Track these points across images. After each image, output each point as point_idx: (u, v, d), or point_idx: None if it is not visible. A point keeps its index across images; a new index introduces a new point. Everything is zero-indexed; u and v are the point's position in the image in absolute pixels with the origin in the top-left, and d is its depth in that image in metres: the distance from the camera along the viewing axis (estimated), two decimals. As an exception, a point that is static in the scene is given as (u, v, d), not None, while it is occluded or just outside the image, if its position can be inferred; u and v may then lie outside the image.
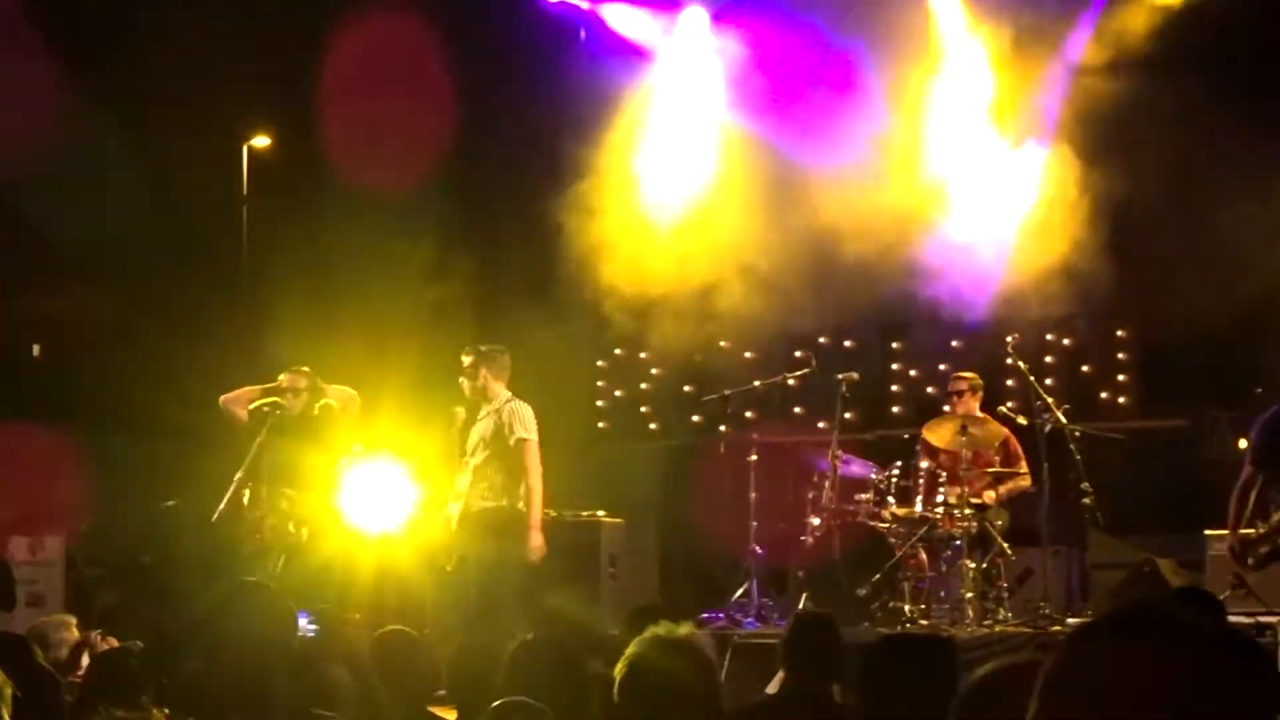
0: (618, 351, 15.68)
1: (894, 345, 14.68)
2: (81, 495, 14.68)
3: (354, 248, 14.63)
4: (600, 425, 15.66)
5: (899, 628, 10.83)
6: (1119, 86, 13.14)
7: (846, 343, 14.51)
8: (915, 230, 13.45)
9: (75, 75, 14.63)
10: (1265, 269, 12.28)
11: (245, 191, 16.82)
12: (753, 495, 12.46)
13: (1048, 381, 13.31)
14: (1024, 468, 12.09)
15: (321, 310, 14.72)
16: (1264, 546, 10.12)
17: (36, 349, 16.83)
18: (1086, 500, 11.59)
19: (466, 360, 11.67)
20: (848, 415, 12.76)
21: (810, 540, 12.04)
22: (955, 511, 11.67)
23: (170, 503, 13.54)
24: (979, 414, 12.22)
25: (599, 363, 15.77)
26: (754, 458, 12.58)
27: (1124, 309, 14.09)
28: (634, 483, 14.68)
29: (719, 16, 14.77)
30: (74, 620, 8.78)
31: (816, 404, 13.92)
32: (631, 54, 14.90)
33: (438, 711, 6.59)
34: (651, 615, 5.66)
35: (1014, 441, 12.17)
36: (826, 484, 12.09)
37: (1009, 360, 12.67)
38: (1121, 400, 13.95)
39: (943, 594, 11.80)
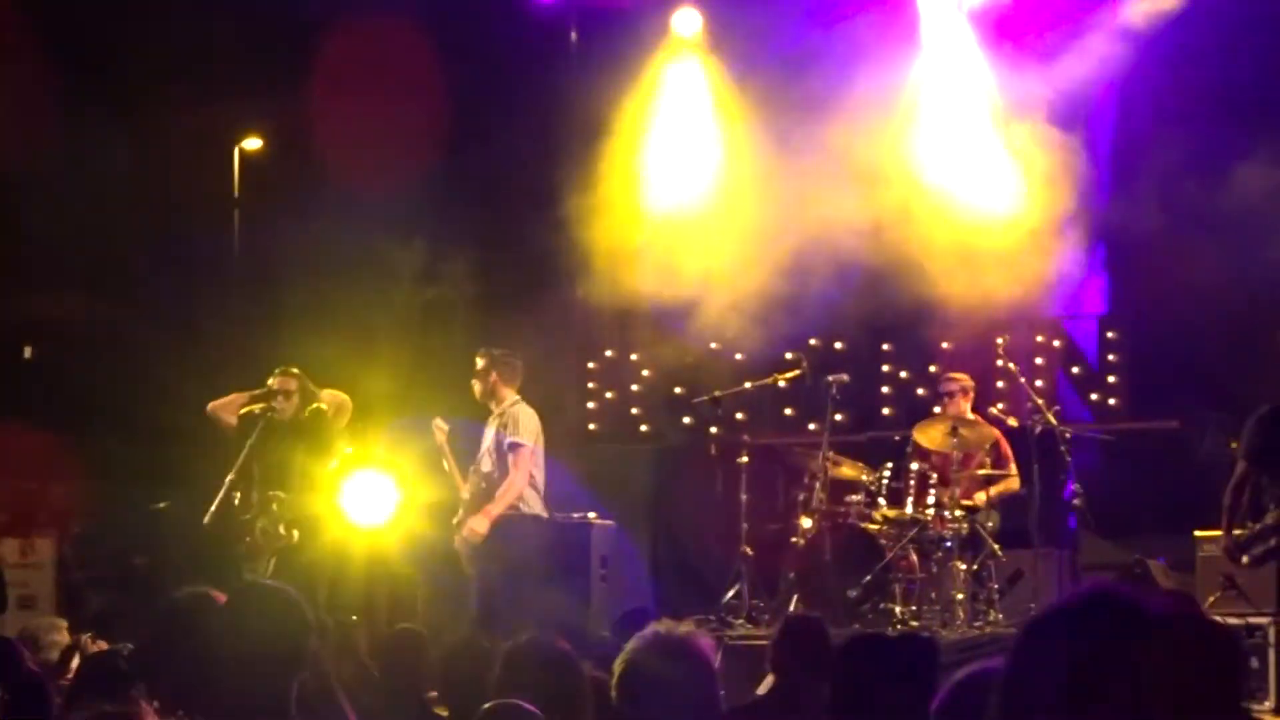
0: (608, 353, 15.66)
1: (884, 347, 14.67)
2: (73, 498, 14.68)
3: (345, 250, 14.64)
4: (591, 427, 15.63)
5: (889, 629, 10.84)
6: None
7: (837, 345, 14.50)
8: (907, 230, 13.43)
9: (67, 77, 14.62)
10: (1256, 271, 12.30)
11: (237, 193, 16.80)
12: (743, 497, 12.48)
13: (1038, 383, 13.33)
14: (1013, 470, 12.11)
15: (313, 312, 14.72)
16: (1259, 546, 10.14)
17: (28, 350, 16.79)
18: (1077, 502, 11.61)
19: (480, 363, 11.92)
20: (838, 417, 12.79)
21: (801, 542, 12.05)
22: (946, 513, 11.68)
23: (161, 505, 13.53)
24: (970, 416, 12.23)
25: (589, 365, 15.75)
26: (745, 459, 12.59)
27: (1114, 310, 14.12)
28: (625, 485, 14.65)
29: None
30: (65, 623, 8.79)
31: (807, 406, 13.94)
32: (620, 58, 14.87)
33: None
34: (639, 620, 5.67)
35: (1004, 443, 12.19)
36: (817, 485, 12.10)
37: (999, 362, 12.69)
38: (1112, 402, 13.95)
39: (933, 595, 11.80)
